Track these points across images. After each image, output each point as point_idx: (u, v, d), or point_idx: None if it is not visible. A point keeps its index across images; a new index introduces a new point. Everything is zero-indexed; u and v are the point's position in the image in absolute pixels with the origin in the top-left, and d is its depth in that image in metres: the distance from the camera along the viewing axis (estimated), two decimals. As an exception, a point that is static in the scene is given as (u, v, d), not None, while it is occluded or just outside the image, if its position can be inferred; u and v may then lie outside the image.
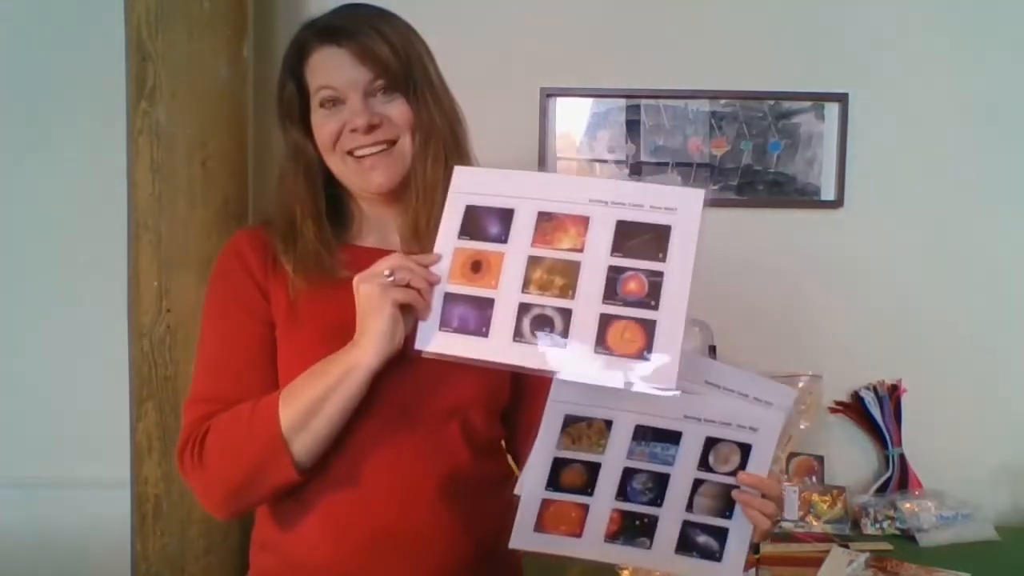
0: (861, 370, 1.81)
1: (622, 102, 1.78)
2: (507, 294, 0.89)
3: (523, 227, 0.90)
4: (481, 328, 0.89)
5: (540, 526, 0.92)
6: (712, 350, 1.73)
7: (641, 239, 0.88)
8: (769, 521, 0.93)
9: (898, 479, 1.76)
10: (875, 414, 1.78)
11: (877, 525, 1.66)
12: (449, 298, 0.90)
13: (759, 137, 1.79)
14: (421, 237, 1.01)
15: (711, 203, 1.85)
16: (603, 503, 0.92)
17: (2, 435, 1.77)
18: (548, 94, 1.77)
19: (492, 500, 1.05)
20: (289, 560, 1.02)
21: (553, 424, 0.90)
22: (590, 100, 1.78)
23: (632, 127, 1.78)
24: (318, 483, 0.98)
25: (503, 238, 0.90)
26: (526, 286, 0.88)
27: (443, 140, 1.02)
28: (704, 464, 0.91)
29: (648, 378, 0.84)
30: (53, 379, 1.76)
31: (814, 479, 1.74)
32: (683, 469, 0.91)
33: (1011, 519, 1.78)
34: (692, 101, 1.78)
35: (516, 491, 0.93)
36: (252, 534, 1.09)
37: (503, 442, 1.14)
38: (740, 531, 0.93)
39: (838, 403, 1.82)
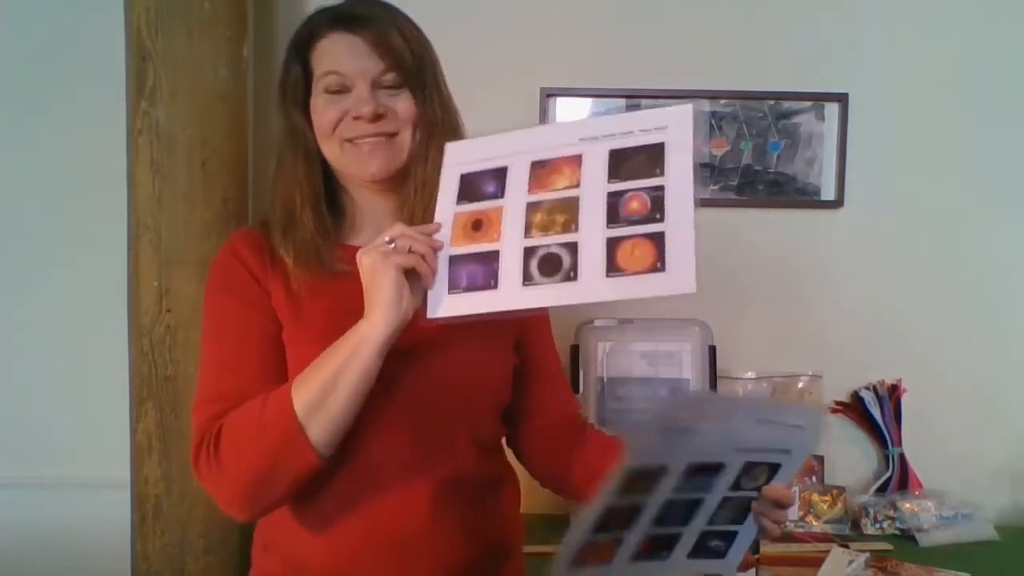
0: (861, 370, 1.81)
1: (622, 102, 1.78)
2: (510, 242, 0.88)
3: (518, 179, 0.90)
4: (489, 281, 0.88)
5: (578, 563, 0.85)
6: (712, 350, 1.73)
7: (636, 160, 0.87)
8: (778, 529, 0.95)
9: (898, 479, 1.76)
10: (875, 414, 1.78)
11: (877, 525, 1.66)
12: (454, 260, 0.90)
13: (759, 137, 1.79)
14: None
15: (711, 203, 1.86)
16: (639, 534, 0.88)
17: (2, 435, 1.77)
18: (548, 94, 1.77)
19: (493, 499, 1.05)
20: (292, 561, 1.02)
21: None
22: (590, 100, 1.78)
23: (632, 127, 1.78)
24: (323, 484, 0.98)
25: (499, 194, 0.90)
26: (528, 231, 0.88)
27: (444, 141, 1.02)
28: (737, 485, 0.90)
29: (666, 285, 0.83)
30: (53, 379, 1.76)
31: (814, 479, 1.74)
32: (717, 492, 0.90)
33: (1011, 519, 1.78)
34: (692, 101, 1.78)
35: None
36: (254, 534, 1.09)
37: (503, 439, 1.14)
38: (748, 533, 0.95)
39: (838, 403, 1.82)
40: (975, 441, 1.81)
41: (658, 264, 0.84)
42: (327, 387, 0.90)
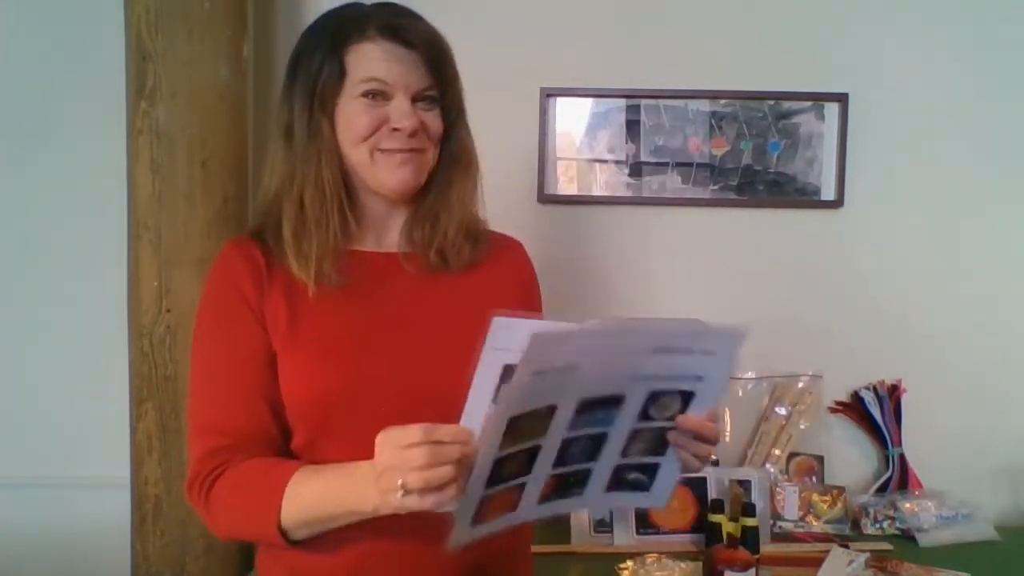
0: (861, 370, 1.81)
1: (622, 102, 1.78)
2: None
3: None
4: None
5: (479, 520, 0.86)
6: (712, 350, 1.73)
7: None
8: (700, 464, 0.94)
9: (898, 479, 1.76)
10: (875, 414, 1.78)
11: (877, 525, 1.66)
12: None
13: (759, 137, 1.79)
14: (416, 244, 1.04)
15: (711, 203, 1.86)
16: (540, 477, 0.88)
17: (2, 435, 1.77)
18: (548, 94, 1.77)
19: None
20: (297, 571, 1.01)
21: (495, 429, 0.80)
22: (590, 100, 1.78)
23: (632, 127, 1.78)
24: None
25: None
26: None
27: (465, 166, 1.06)
28: (645, 415, 0.90)
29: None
30: (53, 379, 1.76)
31: (814, 479, 1.74)
32: (622, 424, 0.89)
33: (1011, 519, 1.78)
34: (692, 101, 1.78)
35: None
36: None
37: None
38: (671, 466, 0.95)
39: (838, 403, 1.82)
40: (975, 441, 1.81)
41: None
42: (316, 524, 0.92)
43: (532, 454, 0.85)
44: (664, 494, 0.97)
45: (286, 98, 1.01)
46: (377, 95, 0.97)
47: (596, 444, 0.89)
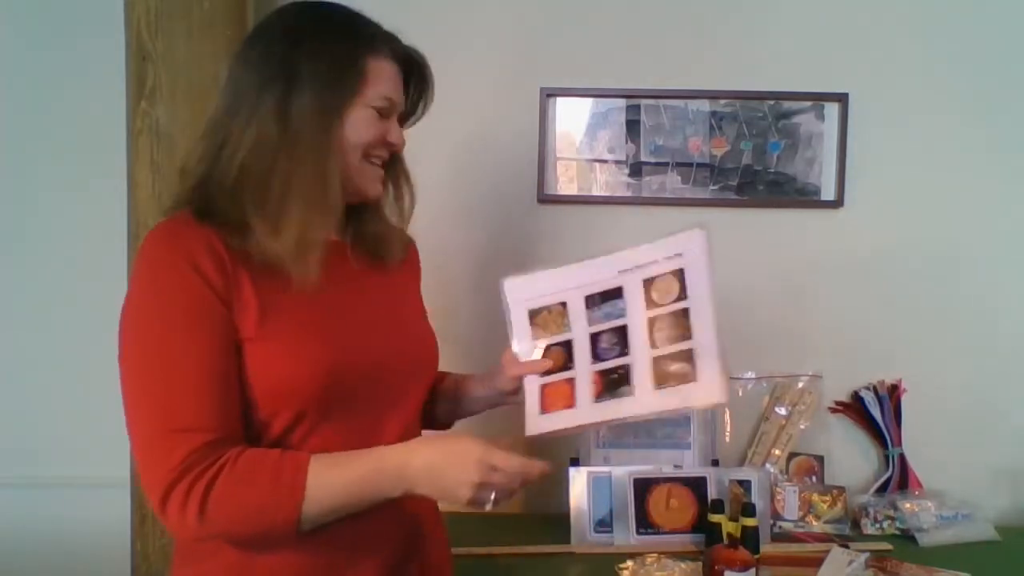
0: (861, 370, 1.81)
1: (622, 102, 1.78)
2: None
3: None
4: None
5: (544, 408, 1.11)
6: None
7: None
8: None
9: (898, 479, 1.76)
10: (875, 414, 1.78)
11: (877, 525, 1.66)
12: (543, 388, 1.13)
13: (759, 137, 1.79)
14: (366, 239, 1.12)
15: (711, 203, 1.86)
16: (584, 370, 1.11)
17: (2, 435, 1.77)
18: (548, 94, 1.77)
19: None
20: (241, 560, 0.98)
21: (521, 320, 1.14)
22: (590, 100, 1.78)
23: (632, 127, 1.78)
24: None
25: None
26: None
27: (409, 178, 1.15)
28: (651, 302, 1.10)
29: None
30: (53, 379, 1.77)
31: (814, 479, 1.74)
32: (636, 314, 1.10)
33: (1011, 519, 1.78)
34: (692, 101, 1.78)
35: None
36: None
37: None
38: (705, 347, 1.07)
39: (838, 403, 1.82)
40: (975, 441, 1.81)
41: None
42: (341, 508, 0.94)
43: (568, 347, 1.12)
44: (713, 379, 1.06)
45: (278, 73, 0.97)
46: (383, 111, 1.04)
47: (622, 337, 1.11)
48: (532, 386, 1.13)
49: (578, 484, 1.59)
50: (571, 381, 1.11)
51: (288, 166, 0.96)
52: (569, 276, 1.14)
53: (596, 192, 1.79)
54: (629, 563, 1.44)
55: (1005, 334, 1.82)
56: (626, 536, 1.56)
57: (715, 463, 1.69)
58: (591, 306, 1.12)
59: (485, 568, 1.46)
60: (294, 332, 0.97)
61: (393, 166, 1.11)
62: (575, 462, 1.65)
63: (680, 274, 1.08)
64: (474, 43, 1.74)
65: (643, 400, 1.08)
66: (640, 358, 1.09)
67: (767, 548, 1.50)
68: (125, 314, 0.95)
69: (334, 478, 0.93)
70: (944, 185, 1.80)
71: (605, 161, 1.79)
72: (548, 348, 1.13)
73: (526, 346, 1.14)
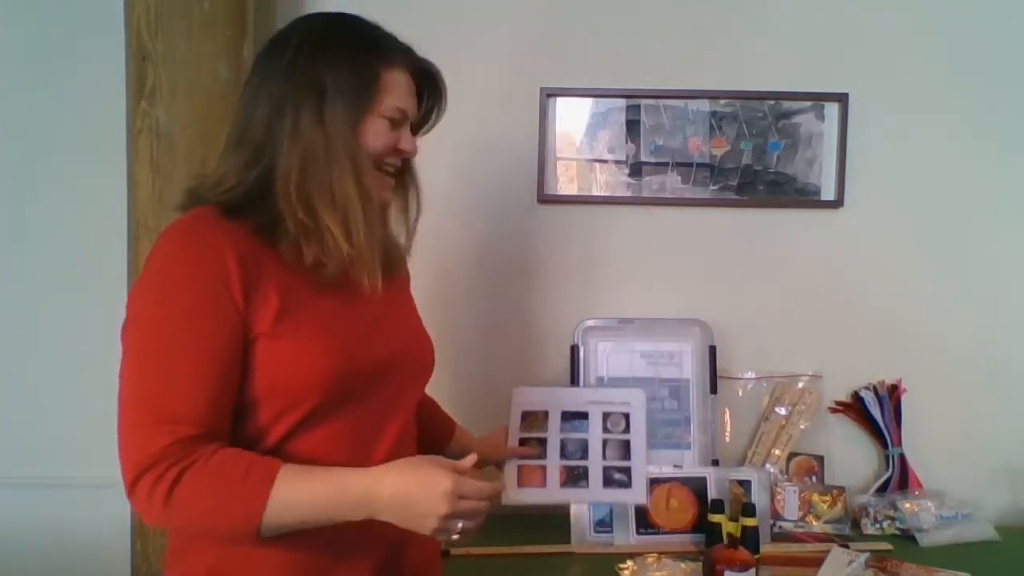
0: (861, 370, 1.81)
1: (622, 102, 1.78)
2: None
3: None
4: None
5: (520, 483, 1.47)
6: (712, 350, 1.73)
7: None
8: None
9: (898, 479, 1.76)
10: (875, 414, 1.78)
11: (877, 525, 1.66)
12: (520, 467, 1.49)
13: (759, 137, 1.79)
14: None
15: (711, 203, 1.87)
16: (553, 462, 1.50)
17: (2, 435, 1.77)
18: (548, 94, 1.77)
19: None
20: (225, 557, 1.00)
21: (516, 418, 1.53)
22: (590, 100, 1.78)
23: (632, 127, 1.78)
24: None
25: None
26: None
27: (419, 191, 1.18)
28: (605, 429, 1.54)
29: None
30: (53, 379, 1.76)
31: (814, 479, 1.74)
32: (594, 433, 1.53)
33: (1011, 519, 1.78)
34: (692, 101, 1.78)
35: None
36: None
37: None
38: (637, 468, 1.51)
39: (838, 403, 1.82)
40: (975, 441, 1.81)
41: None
42: (300, 523, 0.94)
43: (543, 443, 1.51)
44: (641, 489, 1.50)
45: (310, 83, 1.00)
46: (395, 121, 1.06)
47: (583, 447, 1.52)
48: (511, 466, 1.48)
49: (578, 484, 1.62)
50: (543, 468, 1.49)
51: (340, 173, 0.99)
52: (555, 396, 1.56)
53: (596, 192, 1.79)
54: (629, 563, 1.44)
55: (1005, 334, 1.82)
56: (626, 536, 1.56)
57: (715, 463, 1.69)
58: (564, 420, 1.53)
59: (485, 568, 1.46)
60: (310, 331, 0.98)
61: (403, 176, 1.13)
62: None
63: (627, 417, 1.54)
64: (474, 43, 1.74)
65: (594, 493, 1.49)
66: (594, 464, 1.50)
67: (767, 548, 1.50)
68: (135, 298, 0.97)
69: (299, 492, 0.93)
70: (944, 185, 1.80)
71: (605, 161, 1.79)
72: (529, 440, 1.50)
73: (513, 436, 1.50)
